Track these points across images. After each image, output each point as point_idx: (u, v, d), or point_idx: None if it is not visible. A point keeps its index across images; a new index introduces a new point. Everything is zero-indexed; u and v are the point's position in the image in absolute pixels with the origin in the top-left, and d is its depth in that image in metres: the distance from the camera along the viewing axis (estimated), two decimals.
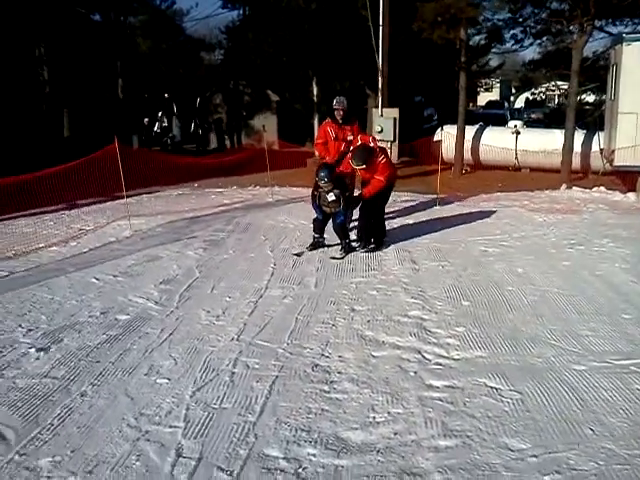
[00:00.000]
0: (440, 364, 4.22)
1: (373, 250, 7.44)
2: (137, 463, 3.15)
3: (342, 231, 7.43)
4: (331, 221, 7.52)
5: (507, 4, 13.59)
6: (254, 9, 18.44)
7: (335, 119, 7.98)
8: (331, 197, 7.25)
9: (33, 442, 3.36)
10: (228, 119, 23.65)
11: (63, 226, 9.48)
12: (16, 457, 3.22)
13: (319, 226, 7.58)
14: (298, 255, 7.32)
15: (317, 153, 8.70)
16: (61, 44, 18.60)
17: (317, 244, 7.63)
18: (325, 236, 7.69)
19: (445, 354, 4.39)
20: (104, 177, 10.76)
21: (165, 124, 22.78)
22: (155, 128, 22.32)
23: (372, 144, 7.32)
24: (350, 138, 7.86)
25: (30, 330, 5.07)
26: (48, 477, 3.05)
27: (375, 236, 7.62)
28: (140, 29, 22.15)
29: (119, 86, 21.06)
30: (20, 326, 5.17)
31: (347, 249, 7.38)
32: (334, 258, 7.16)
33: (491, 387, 3.85)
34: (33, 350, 4.64)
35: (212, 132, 23.95)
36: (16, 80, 17.69)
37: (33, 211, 10.25)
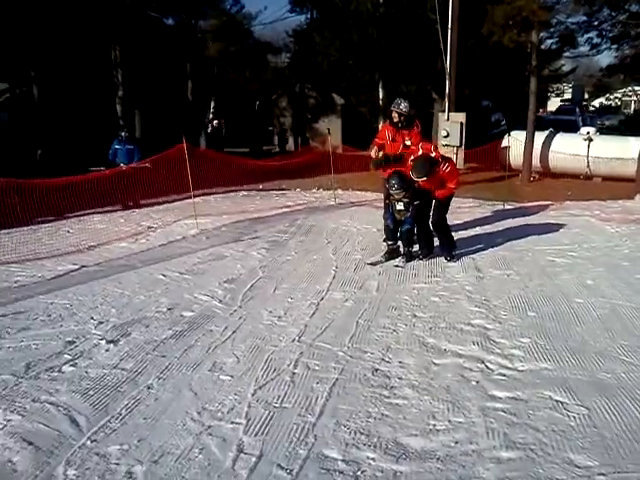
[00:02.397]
0: (504, 375, 4.14)
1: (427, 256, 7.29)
2: (200, 456, 3.23)
3: (407, 239, 7.24)
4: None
5: (582, 7, 13.14)
6: (322, 13, 18.60)
7: (393, 123, 7.62)
8: (399, 206, 7.07)
9: (103, 429, 3.51)
10: (293, 122, 23.94)
11: (133, 223, 9.84)
12: (87, 442, 3.37)
13: (391, 233, 7.31)
14: (373, 264, 7.09)
15: (372, 152, 8.18)
16: (135, 47, 19.28)
17: (392, 252, 7.32)
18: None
19: (509, 365, 4.29)
20: (172, 177, 11.11)
21: (215, 126, 23.26)
22: (208, 130, 22.83)
23: (434, 153, 7.01)
24: (408, 143, 7.51)
25: (101, 322, 5.29)
26: (116, 464, 3.18)
27: (447, 246, 7.38)
28: (210, 33, 22.68)
29: (189, 88, 21.63)
30: (92, 318, 5.40)
31: (409, 257, 7.22)
32: (397, 266, 7.00)
33: (557, 401, 3.74)
34: (104, 342, 4.84)
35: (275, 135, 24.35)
36: (94, 83, 18.48)
37: (106, 208, 10.69)
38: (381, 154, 7.72)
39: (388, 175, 7.14)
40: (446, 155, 7.59)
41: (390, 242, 7.33)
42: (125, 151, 11.91)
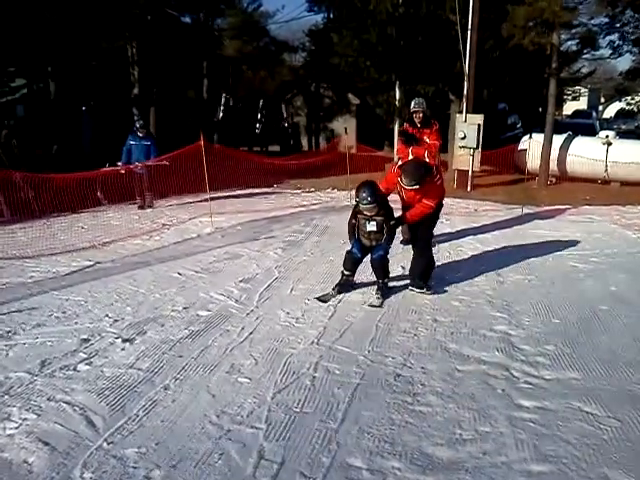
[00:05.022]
0: (530, 383, 4.01)
1: (421, 288, 5.99)
2: (219, 462, 3.14)
3: (382, 268, 5.85)
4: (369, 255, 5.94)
5: (605, 8, 12.92)
6: (339, 12, 18.47)
7: (413, 122, 7.70)
8: (371, 226, 5.73)
9: (120, 431, 3.43)
10: (308, 121, 23.89)
11: (148, 220, 9.78)
12: (104, 444, 3.29)
13: (353, 261, 5.89)
14: (323, 300, 5.74)
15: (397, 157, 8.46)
16: (152, 45, 19.27)
17: (347, 283, 6.00)
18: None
19: (535, 373, 4.17)
20: (188, 174, 11.07)
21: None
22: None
23: (427, 160, 5.90)
24: (428, 141, 7.58)
25: (116, 320, 5.22)
26: (134, 467, 3.09)
27: (421, 270, 6.08)
28: (227, 31, 22.64)
29: (204, 86, 21.61)
30: (107, 316, 5.33)
31: (385, 291, 5.88)
32: (372, 306, 5.61)
33: (587, 412, 3.61)
34: (119, 340, 4.77)
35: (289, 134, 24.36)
36: (110, 80, 18.48)
37: (120, 205, 10.65)
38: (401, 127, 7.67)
39: (358, 186, 5.74)
40: (437, 165, 6.34)
41: (347, 272, 5.95)
42: (141, 147, 11.03)
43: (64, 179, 9.38)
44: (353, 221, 5.88)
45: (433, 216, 6.10)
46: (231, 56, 23.36)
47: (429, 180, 5.71)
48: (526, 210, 10.55)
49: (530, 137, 13.56)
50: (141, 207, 10.96)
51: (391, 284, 6.18)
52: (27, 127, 15.11)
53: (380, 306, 5.62)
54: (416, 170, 5.63)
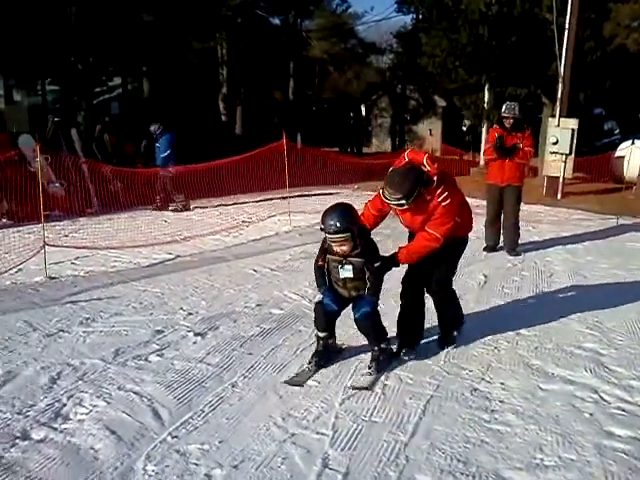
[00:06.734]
0: (622, 410, 3.65)
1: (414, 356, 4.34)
2: (282, 466, 3.02)
3: (373, 328, 4.14)
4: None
5: None
6: (429, 12, 18.13)
7: (503, 125, 7.54)
8: (346, 272, 3.97)
9: (185, 426, 3.38)
10: (392, 123, 23.65)
11: (227, 217, 9.92)
12: (169, 438, 3.25)
13: (325, 316, 4.14)
14: (296, 384, 3.92)
15: (485, 157, 8.40)
16: (241, 46, 19.67)
17: (326, 349, 4.23)
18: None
19: (629, 398, 3.79)
20: (268, 172, 11.13)
21: None
22: None
23: (428, 167, 3.94)
24: (520, 146, 7.40)
25: (190, 314, 5.24)
26: (196, 464, 3.03)
27: (445, 327, 4.64)
28: (315, 32, 22.80)
29: (290, 87, 21.84)
30: (181, 309, 5.37)
31: (381, 360, 4.13)
32: (356, 388, 3.86)
33: None
34: (191, 334, 4.77)
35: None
36: (200, 80, 19.00)
37: (201, 201, 10.85)
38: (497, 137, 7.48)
39: (324, 212, 3.92)
40: (447, 174, 4.26)
41: (323, 333, 4.20)
42: (156, 149, 11.08)
43: (149, 174, 9.66)
44: (320, 262, 4.11)
45: (447, 254, 4.23)
46: (318, 57, 23.52)
47: (424, 196, 3.91)
48: (622, 221, 9.89)
49: (632, 143, 12.73)
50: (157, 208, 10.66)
51: (470, 295, 5.89)
52: (120, 123, 15.72)
53: (367, 388, 3.85)
54: (402, 179, 3.85)
